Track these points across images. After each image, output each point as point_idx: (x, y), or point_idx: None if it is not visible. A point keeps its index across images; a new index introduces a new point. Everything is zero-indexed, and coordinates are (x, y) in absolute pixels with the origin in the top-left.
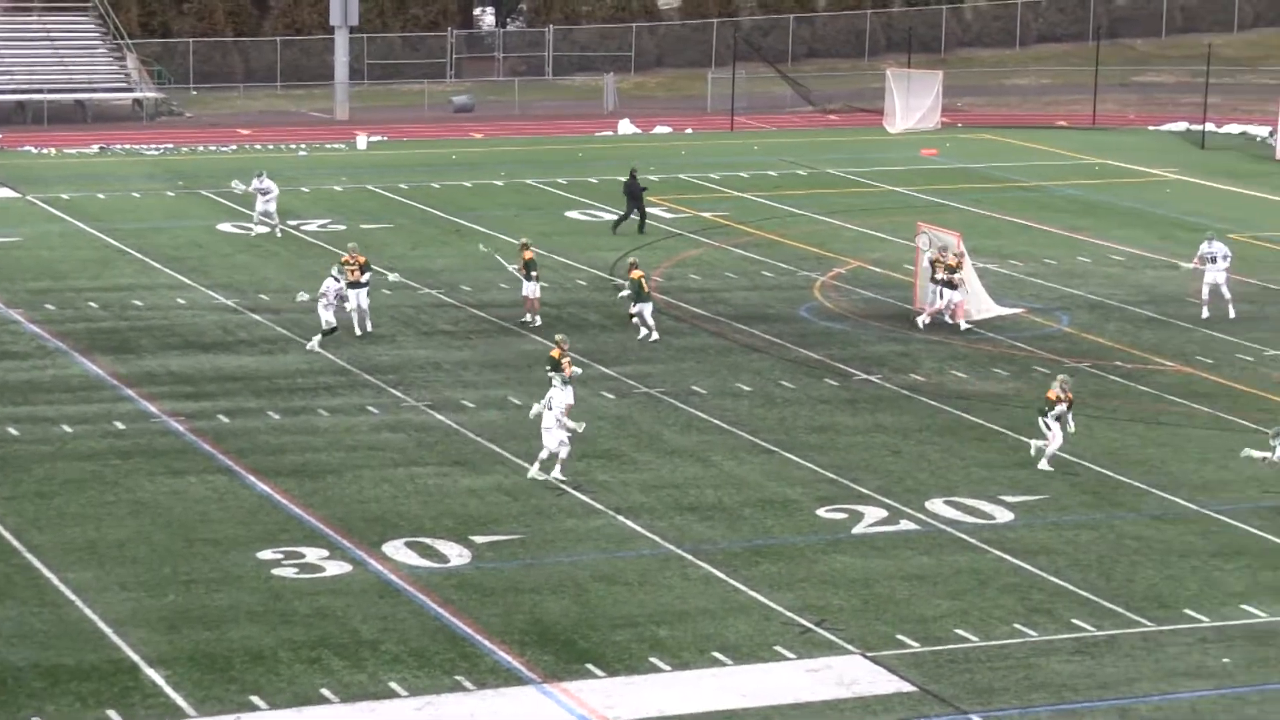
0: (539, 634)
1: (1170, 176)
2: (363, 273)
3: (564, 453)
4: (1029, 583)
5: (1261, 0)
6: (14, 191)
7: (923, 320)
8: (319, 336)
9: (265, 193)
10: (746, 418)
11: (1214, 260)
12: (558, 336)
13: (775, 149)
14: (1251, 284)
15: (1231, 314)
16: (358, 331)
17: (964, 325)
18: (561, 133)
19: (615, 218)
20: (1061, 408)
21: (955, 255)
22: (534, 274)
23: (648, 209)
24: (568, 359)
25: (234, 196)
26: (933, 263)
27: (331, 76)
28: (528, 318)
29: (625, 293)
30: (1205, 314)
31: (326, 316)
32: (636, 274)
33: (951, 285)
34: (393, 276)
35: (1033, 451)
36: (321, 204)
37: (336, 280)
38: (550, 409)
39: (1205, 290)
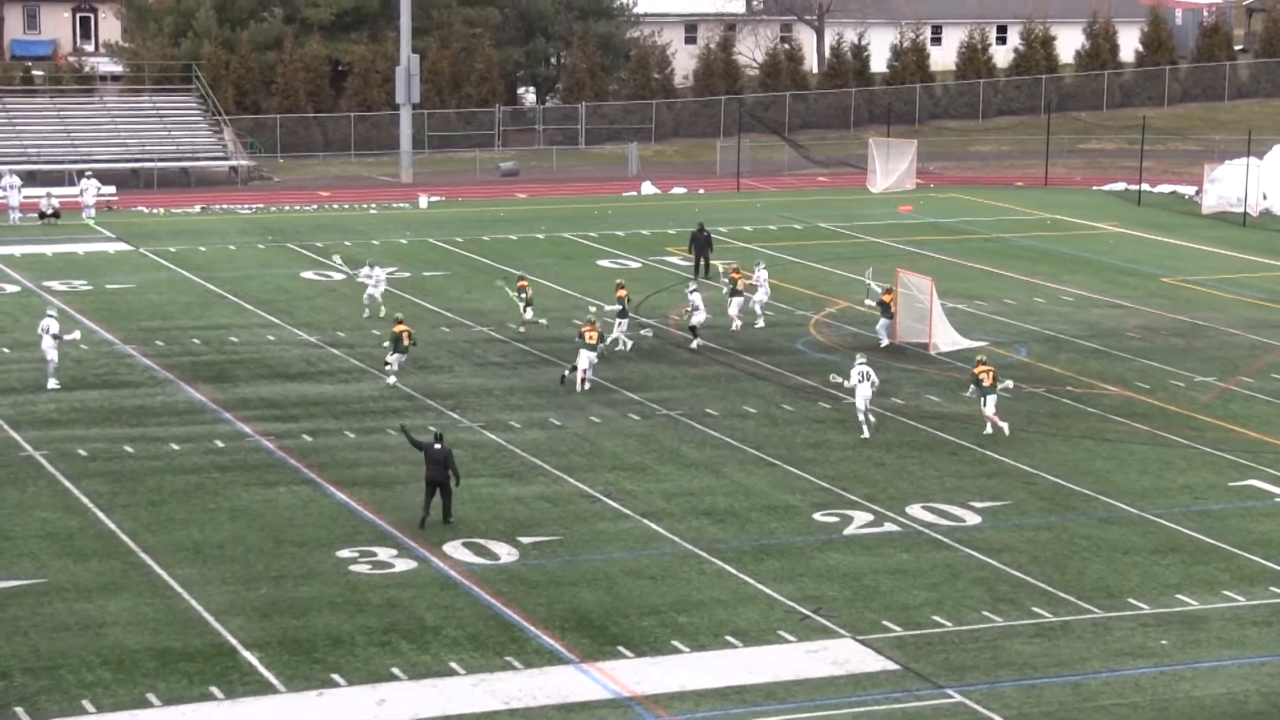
0: (577, 620)
1: (1111, 229)
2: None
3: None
4: (995, 576)
5: (1188, 79)
6: (129, 245)
7: (883, 343)
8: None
9: (371, 278)
10: (753, 435)
11: (762, 285)
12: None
13: (774, 206)
14: (1182, 321)
15: (760, 325)
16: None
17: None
18: (593, 193)
19: (691, 267)
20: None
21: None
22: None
23: (711, 260)
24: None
25: (314, 249)
26: (880, 303)
27: (397, 146)
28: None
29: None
30: (737, 326)
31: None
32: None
33: (737, 293)
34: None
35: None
36: (390, 254)
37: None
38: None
39: (734, 307)
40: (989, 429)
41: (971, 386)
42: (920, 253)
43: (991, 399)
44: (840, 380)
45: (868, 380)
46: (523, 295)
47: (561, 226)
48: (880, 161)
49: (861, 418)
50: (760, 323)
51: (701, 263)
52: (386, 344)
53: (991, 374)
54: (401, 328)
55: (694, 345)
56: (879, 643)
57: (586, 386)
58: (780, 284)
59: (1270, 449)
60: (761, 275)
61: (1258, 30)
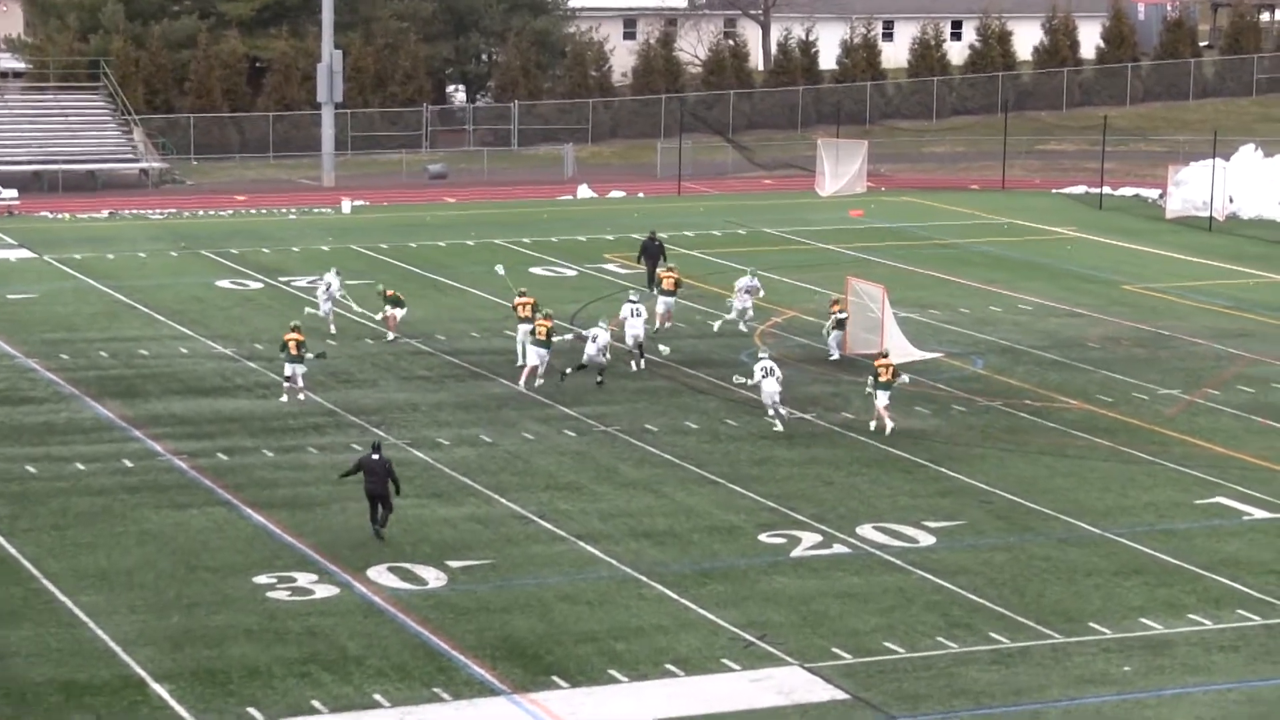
0: (509, 649)
1: (1071, 234)
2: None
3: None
4: (950, 599)
5: (1151, 77)
6: (31, 252)
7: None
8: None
9: (326, 287)
10: (695, 452)
11: (749, 291)
12: None
13: (718, 211)
14: (1145, 330)
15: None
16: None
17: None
18: (526, 197)
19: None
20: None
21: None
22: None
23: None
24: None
25: (230, 256)
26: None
27: (319, 147)
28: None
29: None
30: (737, 327)
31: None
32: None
33: (666, 293)
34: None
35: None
36: (311, 262)
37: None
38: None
39: (734, 313)
40: (874, 425)
41: (870, 379)
42: (871, 259)
43: (885, 394)
44: (744, 380)
45: (772, 375)
46: (390, 301)
47: (493, 232)
48: (829, 163)
49: (771, 413)
50: (717, 326)
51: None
52: (283, 355)
53: (890, 370)
54: (291, 336)
55: (635, 367)
56: (828, 670)
57: (537, 383)
58: (725, 293)
59: (1238, 464)
60: (751, 283)
61: (1223, 26)
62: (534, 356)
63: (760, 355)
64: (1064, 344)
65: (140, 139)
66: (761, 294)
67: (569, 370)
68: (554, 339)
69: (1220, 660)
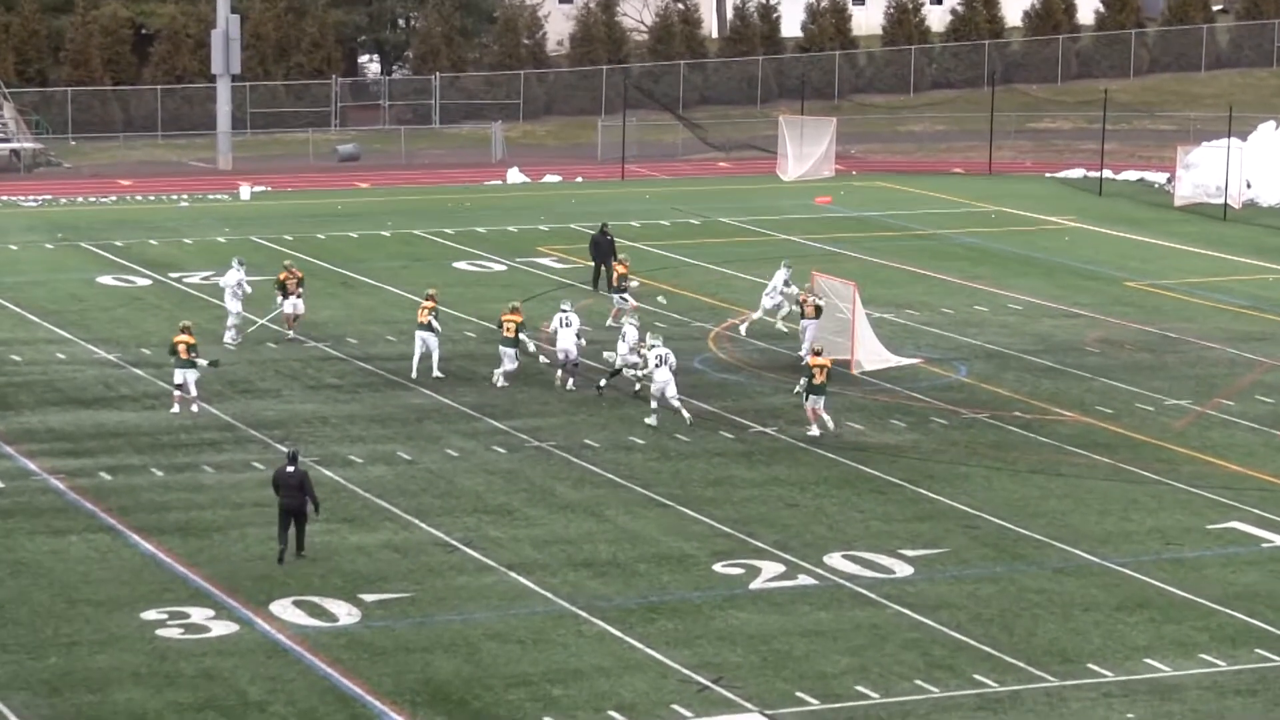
0: (431, 694)
1: (1068, 224)
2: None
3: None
4: (930, 638)
5: (1157, 46)
6: None
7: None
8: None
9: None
10: (641, 471)
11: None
12: None
13: (667, 197)
14: (1151, 332)
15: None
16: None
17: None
18: (449, 182)
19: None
20: None
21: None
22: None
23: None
24: None
25: (114, 249)
26: (800, 302)
27: (214, 126)
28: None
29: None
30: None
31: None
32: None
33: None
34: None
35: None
36: (205, 256)
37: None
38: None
39: (770, 307)
40: (814, 430)
41: (802, 380)
42: (841, 252)
43: (819, 399)
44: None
45: (666, 364)
46: (286, 290)
47: (411, 222)
48: (793, 144)
49: (654, 404)
50: (743, 328)
51: (603, 270)
52: (172, 360)
53: (825, 373)
54: (181, 338)
55: (561, 384)
56: (791, 718)
57: (501, 383)
58: (675, 290)
59: (1255, 484)
60: (785, 275)
61: None
62: (507, 361)
63: (653, 342)
64: (1059, 348)
65: (11, 116)
66: (796, 291)
67: (602, 383)
68: (521, 335)
69: (1236, 705)
